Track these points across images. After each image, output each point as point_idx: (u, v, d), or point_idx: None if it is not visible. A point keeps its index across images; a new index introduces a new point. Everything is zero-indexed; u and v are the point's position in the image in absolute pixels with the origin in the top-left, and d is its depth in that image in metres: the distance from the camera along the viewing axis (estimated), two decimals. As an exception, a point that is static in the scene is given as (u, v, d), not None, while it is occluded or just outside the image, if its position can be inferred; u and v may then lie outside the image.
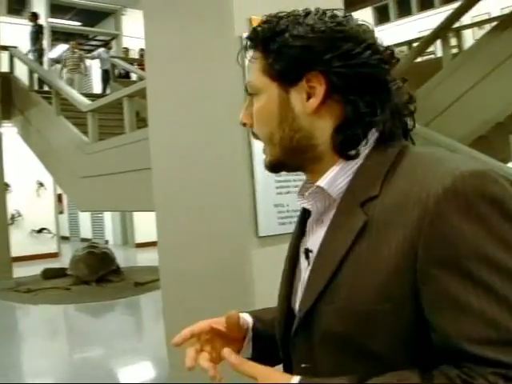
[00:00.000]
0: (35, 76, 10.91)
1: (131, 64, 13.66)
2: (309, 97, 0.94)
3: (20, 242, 13.03)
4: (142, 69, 11.12)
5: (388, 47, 0.96)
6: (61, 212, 17.91)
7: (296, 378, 0.87)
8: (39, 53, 12.26)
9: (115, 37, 16.49)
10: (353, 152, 0.94)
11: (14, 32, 12.62)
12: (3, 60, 11.09)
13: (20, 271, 10.90)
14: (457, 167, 0.82)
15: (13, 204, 13.03)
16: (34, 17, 12.62)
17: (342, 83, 0.91)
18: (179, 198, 3.17)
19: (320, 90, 0.92)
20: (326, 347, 0.91)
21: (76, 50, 12.61)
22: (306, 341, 0.95)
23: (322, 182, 0.95)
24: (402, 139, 0.97)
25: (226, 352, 0.95)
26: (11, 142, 11.36)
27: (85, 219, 19.25)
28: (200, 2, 2.72)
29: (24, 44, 12.04)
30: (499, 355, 0.74)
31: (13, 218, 13.77)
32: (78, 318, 8.39)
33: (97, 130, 8.24)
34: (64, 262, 11.97)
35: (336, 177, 0.95)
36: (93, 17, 16.83)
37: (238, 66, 1.23)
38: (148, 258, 11.31)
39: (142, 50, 13.41)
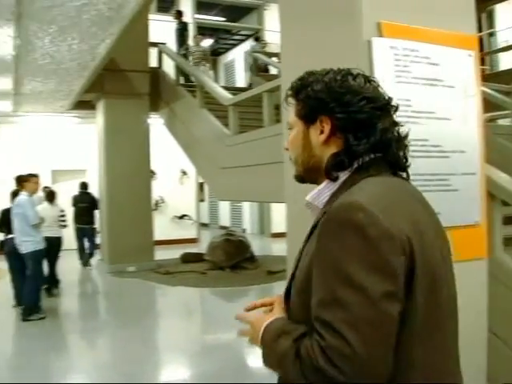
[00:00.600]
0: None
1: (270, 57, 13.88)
2: (321, 132, 1.34)
3: (162, 227, 13.89)
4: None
5: (388, 98, 1.34)
6: (202, 200, 18.75)
7: (269, 321, 1.34)
8: (184, 48, 12.78)
9: (258, 31, 16.88)
10: (334, 175, 1.33)
11: (163, 29, 13.34)
12: (153, 55, 11.80)
13: (161, 254, 11.64)
14: (340, 200, 1.23)
15: (157, 191, 13.86)
16: (179, 15, 13.21)
17: (341, 124, 1.31)
18: (307, 191, 3.24)
19: (327, 128, 1.33)
20: (291, 306, 1.38)
21: (201, 44, 12.69)
22: (288, 302, 1.40)
23: (308, 196, 1.43)
24: (382, 170, 1.31)
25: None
26: (158, 132, 12.15)
27: (224, 208, 20.04)
28: (332, 3, 2.77)
29: (172, 40, 12.70)
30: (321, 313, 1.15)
31: (157, 204, 14.62)
32: (212, 301, 8.85)
33: (237, 122, 8.52)
34: (202, 247, 12.62)
35: (320, 192, 1.39)
36: (236, 12, 17.39)
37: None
38: (283, 247, 11.54)
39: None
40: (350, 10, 2.55)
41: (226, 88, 10.56)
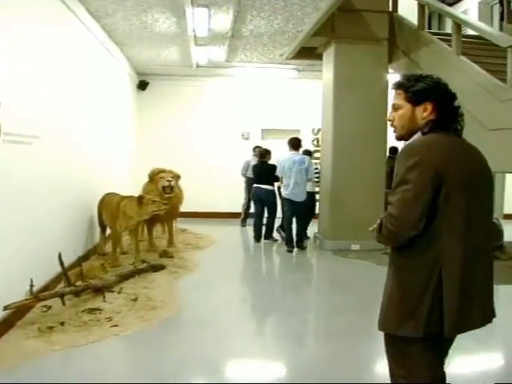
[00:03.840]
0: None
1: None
2: (424, 110, 2.31)
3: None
4: None
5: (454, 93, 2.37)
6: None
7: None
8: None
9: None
10: (424, 131, 2.30)
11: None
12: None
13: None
14: (409, 142, 2.33)
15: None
16: None
17: (437, 107, 2.30)
18: None
19: (429, 109, 2.30)
20: None
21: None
22: None
23: (410, 140, 2.37)
24: (449, 132, 2.29)
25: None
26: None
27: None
28: None
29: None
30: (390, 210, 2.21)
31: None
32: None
33: (519, 70, 6.30)
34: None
35: (414, 139, 2.34)
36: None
37: None
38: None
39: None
40: None
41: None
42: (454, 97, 2.33)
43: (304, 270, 8.19)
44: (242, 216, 12.14)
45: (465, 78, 7.49)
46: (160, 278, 6.68)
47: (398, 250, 2.27)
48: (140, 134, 12.97)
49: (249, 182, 11.52)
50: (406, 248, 2.20)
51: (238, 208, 12.33)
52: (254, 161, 11.41)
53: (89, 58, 7.93)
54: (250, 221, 11.27)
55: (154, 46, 9.83)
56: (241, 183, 12.17)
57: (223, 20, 8.22)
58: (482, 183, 2.29)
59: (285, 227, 9.33)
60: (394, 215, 2.14)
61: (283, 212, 9.40)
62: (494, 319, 2.35)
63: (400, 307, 2.21)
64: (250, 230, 11.46)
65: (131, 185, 10.41)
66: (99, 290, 5.68)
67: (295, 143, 9.29)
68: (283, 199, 9.23)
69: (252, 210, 11.17)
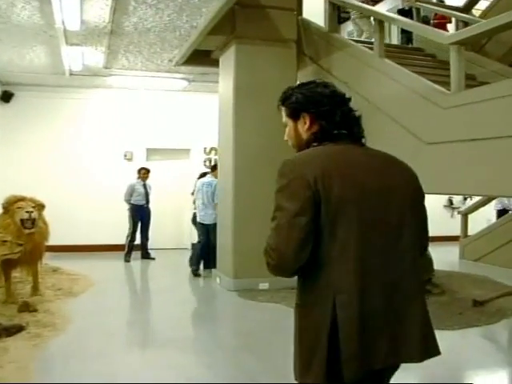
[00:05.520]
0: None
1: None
2: (305, 123, 2.05)
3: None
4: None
5: (343, 93, 2.07)
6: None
7: None
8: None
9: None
10: (314, 144, 2.01)
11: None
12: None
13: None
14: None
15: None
16: None
17: (316, 117, 2.02)
18: None
19: (307, 121, 2.04)
20: None
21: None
22: None
23: None
24: (341, 140, 1.99)
25: None
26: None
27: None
28: None
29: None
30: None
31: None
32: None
33: (463, 72, 5.28)
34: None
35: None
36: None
37: None
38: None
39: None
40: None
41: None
42: (339, 101, 2.07)
43: (209, 321, 6.48)
44: (126, 249, 10.41)
45: (393, 84, 6.41)
46: (15, 348, 4.81)
47: (298, 285, 1.97)
48: (2, 154, 10.81)
49: (134, 209, 10.32)
50: (301, 281, 1.94)
51: (121, 239, 10.59)
52: (139, 184, 10.35)
53: None
54: (136, 255, 10.16)
55: (15, 43, 7.93)
56: (124, 210, 10.50)
57: (99, 9, 6.58)
58: (398, 199, 1.94)
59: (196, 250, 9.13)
60: (272, 247, 1.84)
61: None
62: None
63: (300, 352, 1.90)
64: (135, 265, 9.81)
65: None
66: None
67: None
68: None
69: (138, 241, 10.34)
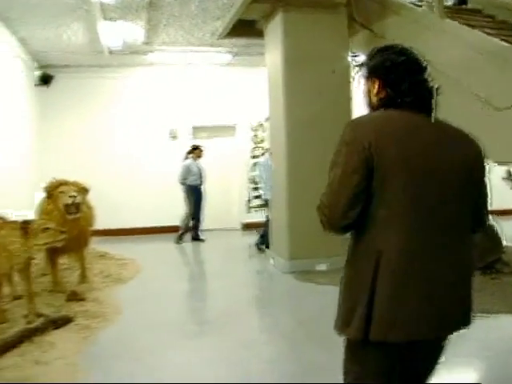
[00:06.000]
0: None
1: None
2: (374, 88, 2.05)
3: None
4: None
5: (421, 61, 2.02)
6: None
7: None
8: None
9: None
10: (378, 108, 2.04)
11: None
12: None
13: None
14: None
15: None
16: None
17: (383, 83, 2.02)
18: None
19: (376, 86, 2.03)
20: None
21: None
22: None
23: None
24: (403, 107, 1.95)
25: None
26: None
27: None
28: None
29: None
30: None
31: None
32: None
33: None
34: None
35: None
36: None
37: None
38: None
39: None
40: None
41: None
42: (411, 70, 2.00)
43: (266, 308, 6.08)
44: (182, 231, 10.16)
45: (457, 46, 5.87)
46: (62, 342, 4.52)
47: (349, 244, 2.00)
48: (43, 138, 10.62)
49: (191, 190, 9.96)
50: (352, 240, 1.97)
51: (167, 221, 10.35)
52: (193, 164, 10.05)
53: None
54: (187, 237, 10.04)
55: (49, 20, 7.59)
56: (170, 191, 10.33)
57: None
58: (452, 172, 1.91)
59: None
60: (324, 202, 1.91)
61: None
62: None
63: (344, 306, 1.96)
64: (184, 248, 9.52)
65: (28, 200, 8.02)
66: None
67: None
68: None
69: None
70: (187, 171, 10.01)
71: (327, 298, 5.88)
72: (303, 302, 5.98)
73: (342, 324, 1.95)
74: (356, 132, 1.89)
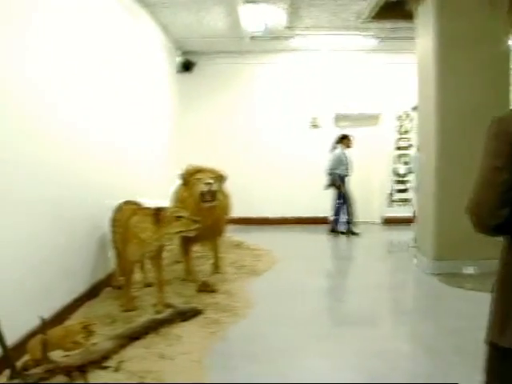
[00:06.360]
0: None
1: None
2: None
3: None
4: None
5: None
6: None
7: None
8: None
9: None
10: None
11: None
12: None
13: None
14: None
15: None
16: None
17: None
18: None
19: None
20: None
21: None
22: None
23: None
24: None
25: None
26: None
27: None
28: None
29: None
30: None
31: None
32: None
33: None
34: None
35: None
36: None
37: None
38: None
39: None
40: None
41: None
42: None
43: (410, 314, 5.43)
44: (334, 224, 9.96)
45: None
46: (189, 336, 4.31)
47: (504, 243, 1.74)
48: (182, 125, 10.69)
49: (341, 181, 9.71)
50: (506, 239, 1.72)
51: (310, 212, 10.22)
52: (343, 154, 9.73)
53: (103, 23, 5.85)
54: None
55: (190, 4, 7.47)
56: (310, 180, 10.25)
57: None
58: None
59: None
60: (472, 200, 1.70)
61: None
62: None
63: (496, 313, 1.73)
64: (323, 240, 9.24)
65: (165, 189, 7.97)
66: (80, 371, 3.39)
67: None
68: None
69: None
70: (338, 161, 9.64)
71: (479, 307, 5.19)
72: (450, 309, 5.30)
73: (496, 332, 1.73)
74: (505, 125, 1.69)
